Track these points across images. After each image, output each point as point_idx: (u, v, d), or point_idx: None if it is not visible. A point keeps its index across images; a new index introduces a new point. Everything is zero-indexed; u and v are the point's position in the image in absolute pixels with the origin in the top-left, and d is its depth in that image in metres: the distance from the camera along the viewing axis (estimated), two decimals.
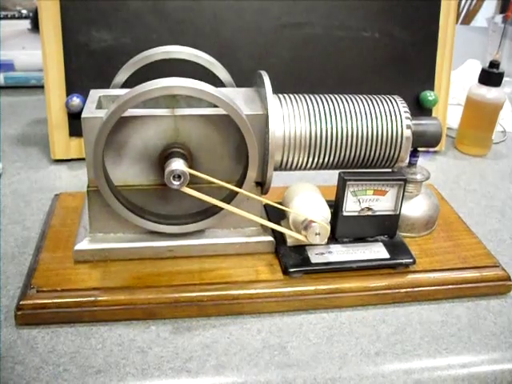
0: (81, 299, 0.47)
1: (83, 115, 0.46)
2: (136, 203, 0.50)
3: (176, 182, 0.45)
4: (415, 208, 0.57)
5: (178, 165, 0.45)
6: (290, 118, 0.49)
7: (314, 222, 0.49)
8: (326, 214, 0.50)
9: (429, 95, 0.75)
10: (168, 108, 0.48)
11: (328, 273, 0.51)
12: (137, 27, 0.69)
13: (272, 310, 0.50)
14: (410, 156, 0.56)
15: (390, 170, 0.54)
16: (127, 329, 0.47)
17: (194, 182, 0.47)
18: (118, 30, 0.68)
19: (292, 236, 0.50)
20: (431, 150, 0.77)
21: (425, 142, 0.54)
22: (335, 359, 0.46)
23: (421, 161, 0.70)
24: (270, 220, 0.54)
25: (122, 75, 0.54)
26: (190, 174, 0.46)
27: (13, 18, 1.02)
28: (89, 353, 0.45)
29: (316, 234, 0.49)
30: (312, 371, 0.45)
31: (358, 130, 0.50)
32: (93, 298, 0.47)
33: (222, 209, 0.49)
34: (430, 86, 0.76)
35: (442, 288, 0.52)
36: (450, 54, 0.75)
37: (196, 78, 0.54)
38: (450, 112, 0.81)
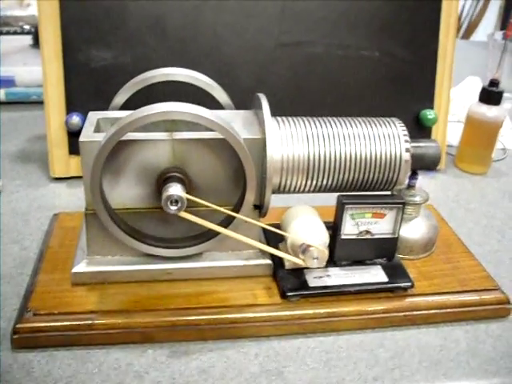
0: (77, 322, 0.47)
1: (81, 139, 0.46)
2: (134, 226, 0.49)
3: (173, 207, 0.45)
4: (414, 230, 0.57)
5: (175, 190, 0.45)
6: (288, 141, 0.49)
7: (311, 246, 0.48)
8: (324, 237, 0.50)
9: (428, 114, 0.75)
10: (167, 131, 0.48)
11: (326, 296, 0.51)
12: (137, 46, 0.69)
13: (270, 333, 0.50)
14: (409, 178, 0.56)
15: (388, 192, 0.54)
16: (124, 352, 0.47)
17: (191, 206, 0.47)
18: (118, 49, 0.68)
19: (290, 260, 0.50)
20: None
21: (423, 164, 0.54)
22: None
23: (421, 179, 0.70)
24: (268, 242, 0.54)
25: (121, 97, 0.54)
26: (188, 199, 0.46)
27: (15, 33, 1.02)
28: (85, 377, 0.45)
29: (314, 259, 0.49)
30: None
31: (356, 153, 0.50)
32: (90, 322, 0.47)
33: (219, 232, 0.49)
34: (430, 105, 0.76)
35: (441, 312, 0.52)
36: (449, 72, 0.75)
37: (195, 99, 0.54)
38: (449, 129, 0.81)
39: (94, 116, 0.51)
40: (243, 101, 0.72)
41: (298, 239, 0.50)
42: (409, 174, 0.54)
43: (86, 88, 0.69)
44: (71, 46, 0.68)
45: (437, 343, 0.50)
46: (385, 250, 0.54)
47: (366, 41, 0.73)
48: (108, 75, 0.69)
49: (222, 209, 0.47)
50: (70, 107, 0.69)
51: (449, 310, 0.52)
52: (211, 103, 0.57)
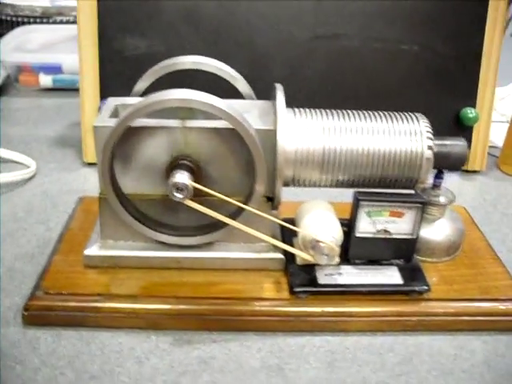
0: (84, 304, 0.48)
1: (95, 124, 0.47)
2: (145, 213, 0.50)
3: (179, 195, 0.45)
4: (437, 232, 0.54)
5: (181, 178, 0.45)
6: (303, 133, 0.48)
7: (321, 242, 0.47)
8: (337, 234, 0.49)
9: (469, 112, 0.71)
10: (183, 118, 0.48)
11: (336, 295, 0.50)
12: (170, 36, 0.69)
13: (275, 329, 0.49)
14: (435, 178, 0.54)
15: (412, 191, 0.52)
16: (128, 337, 0.48)
17: (201, 195, 0.47)
18: (152, 38, 0.69)
19: (299, 255, 0.49)
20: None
21: (449, 163, 0.51)
22: None
23: (459, 180, 0.67)
24: (283, 236, 0.54)
25: (142, 84, 0.55)
26: (196, 188, 0.46)
27: (68, 22, 1.06)
28: (87, 358, 0.46)
29: (323, 255, 0.47)
30: None
31: (374, 148, 0.48)
32: (96, 304, 0.48)
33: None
34: (472, 103, 0.72)
35: (458, 319, 0.49)
36: (495, 69, 0.71)
37: (218, 90, 0.54)
38: (496, 129, 0.77)
39: (112, 102, 0.51)
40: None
41: (308, 234, 0.48)
42: (431, 173, 0.52)
43: (120, 75, 0.70)
44: (107, 34, 0.69)
45: (450, 352, 0.48)
46: (402, 251, 0.51)
47: (405, 34, 0.70)
48: (142, 63, 0.68)
49: (229, 199, 0.47)
50: (104, 94, 0.70)
51: (467, 318, 0.49)
52: (236, 94, 0.56)
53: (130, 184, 0.49)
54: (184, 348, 0.47)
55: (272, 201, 0.50)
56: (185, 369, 0.45)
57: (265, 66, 0.71)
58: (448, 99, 0.72)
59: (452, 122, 0.72)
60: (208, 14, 0.69)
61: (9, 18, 1.03)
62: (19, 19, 1.02)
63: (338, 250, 0.47)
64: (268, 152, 0.47)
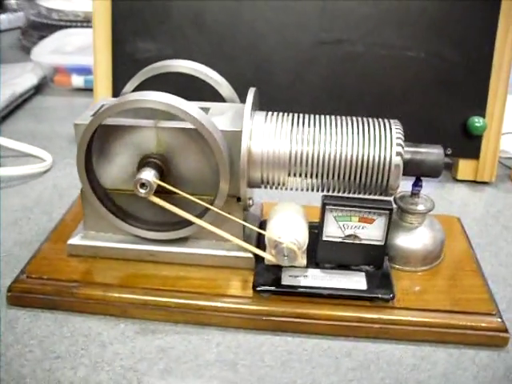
0: (62, 289, 0.51)
1: (75, 121, 0.50)
2: (123, 207, 0.53)
3: (142, 191, 0.47)
4: (413, 240, 0.53)
5: (145, 174, 0.47)
6: (270, 135, 0.49)
7: (282, 243, 0.48)
8: (301, 237, 0.49)
9: (476, 121, 0.69)
10: (161, 119, 0.50)
11: (297, 296, 0.50)
12: (179, 40, 0.72)
13: (237, 325, 0.50)
14: (413, 185, 0.53)
15: (389, 197, 0.52)
16: (99, 323, 0.50)
17: (172, 193, 0.49)
18: (162, 42, 0.72)
19: (263, 255, 0.50)
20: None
21: (423, 171, 0.50)
22: None
23: (466, 191, 0.65)
24: (259, 236, 0.55)
25: (130, 85, 0.58)
26: (161, 185, 0.48)
27: None
28: (57, 339, 0.49)
29: (284, 256, 0.48)
30: None
31: (341, 153, 0.49)
32: (71, 290, 0.51)
33: (200, 218, 0.50)
34: (481, 112, 0.70)
35: (422, 329, 0.48)
36: (506, 77, 0.69)
37: (205, 93, 0.56)
38: None
39: (101, 102, 0.55)
40: (280, 97, 0.72)
41: (272, 236, 0.49)
42: (406, 180, 0.51)
43: (131, 77, 0.73)
44: (120, 38, 0.73)
45: (410, 362, 0.47)
46: (372, 257, 0.51)
47: (412, 40, 0.69)
48: None
49: (192, 197, 0.48)
50: (117, 95, 0.74)
51: (433, 329, 0.48)
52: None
53: (109, 179, 0.52)
54: (147, 337, 0.49)
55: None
56: (143, 356, 0.47)
57: (269, 71, 0.72)
58: (456, 108, 0.70)
59: (460, 130, 0.70)
60: (214, 19, 0.71)
61: (54, 23, 1.10)
62: (63, 23, 1.09)
63: (298, 251, 0.48)
64: (237, 153, 0.49)
